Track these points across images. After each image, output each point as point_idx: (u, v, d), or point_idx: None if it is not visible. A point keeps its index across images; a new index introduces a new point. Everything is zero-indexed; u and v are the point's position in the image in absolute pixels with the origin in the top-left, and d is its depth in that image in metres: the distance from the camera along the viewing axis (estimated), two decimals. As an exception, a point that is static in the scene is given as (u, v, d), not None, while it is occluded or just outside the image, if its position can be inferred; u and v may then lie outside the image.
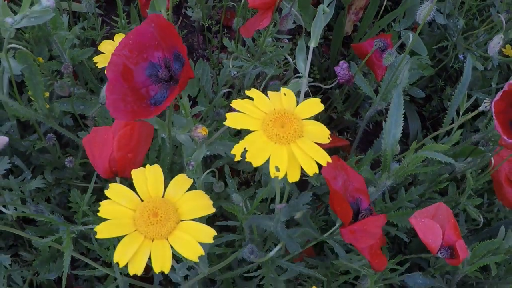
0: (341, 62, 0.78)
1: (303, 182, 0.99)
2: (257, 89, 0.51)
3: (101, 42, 0.87)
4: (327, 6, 0.66)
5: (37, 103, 0.73)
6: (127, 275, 0.78)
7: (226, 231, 0.88)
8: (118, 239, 0.55)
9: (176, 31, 0.56)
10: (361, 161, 0.84)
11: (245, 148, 0.46)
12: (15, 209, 0.82)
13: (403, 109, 0.82)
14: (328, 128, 0.51)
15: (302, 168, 0.46)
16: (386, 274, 0.75)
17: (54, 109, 0.74)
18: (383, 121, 0.72)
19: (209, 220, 0.78)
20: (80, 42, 0.98)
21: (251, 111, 0.47)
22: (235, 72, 0.78)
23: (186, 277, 0.73)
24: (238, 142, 0.63)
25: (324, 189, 0.97)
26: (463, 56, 1.04)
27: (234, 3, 1.01)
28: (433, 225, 0.62)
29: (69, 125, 0.92)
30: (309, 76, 0.69)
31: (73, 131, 0.97)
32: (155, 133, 0.85)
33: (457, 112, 0.84)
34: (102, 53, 0.73)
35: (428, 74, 1.04)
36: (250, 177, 1.13)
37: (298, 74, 0.70)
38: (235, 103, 0.48)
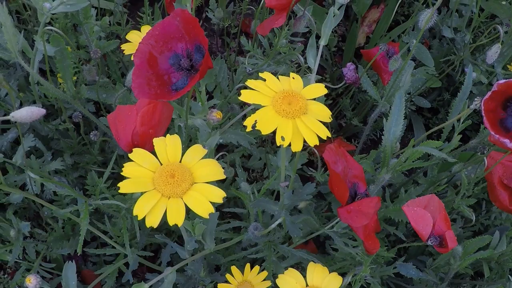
0: (348, 64, 0.87)
1: (308, 180, 1.07)
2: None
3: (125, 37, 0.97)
4: (338, 9, 0.75)
5: (66, 84, 0.82)
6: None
7: (233, 219, 0.96)
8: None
9: (199, 25, 0.65)
10: (364, 159, 0.92)
11: (255, 121, 0.54)
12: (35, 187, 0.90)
13: (410, 119, 0.90)
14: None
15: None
16: (380, 260, 0.82)
17: (81, 92, 0.84)
18: (384, 121, 0.80)
19: (217, 208, 0.87)
20: (105, 36, 1.08)
21: (263, 90, 0.56)
22: (250, 69, 0.87)
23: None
24: (249, 134, 0.72)
25: (328, 188, 1.05)
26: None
27: (252, 7, 1.11)
28: (424, 214, 0.69)
29: (91, 111, 1.01)
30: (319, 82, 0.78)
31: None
32: (171, 123, 0.94)
33: (458, 120, 0.92)
34: (129, 42, 0.83)
35: (435, 86, 1.13)
36: (259, 177, 1.21)
37: (308, 74, 0.79)
38: (250, 82, 0.57)
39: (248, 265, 0.78)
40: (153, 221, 0.55)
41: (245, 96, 0.55)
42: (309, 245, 1.06)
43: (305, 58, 0.84)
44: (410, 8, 1.30)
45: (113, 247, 0.91)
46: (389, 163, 0.80)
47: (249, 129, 0.54)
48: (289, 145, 0.54)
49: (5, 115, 1.03)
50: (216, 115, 0.69)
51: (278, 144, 0.53)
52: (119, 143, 0.73)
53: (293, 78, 0.59)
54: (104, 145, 1.07)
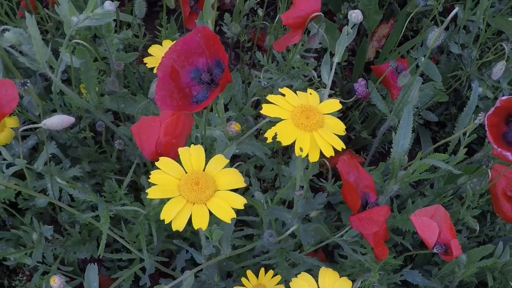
0: (359, 79, 0.92)
1: (317, 190, 1.13)
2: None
3: (143, 48, 1.03)
4: (351, 28, 0.81)
5: (89, 94, 0.88)
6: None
7: (245, 227, 1.02)
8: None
9: (219, 42, 0.70)
10: (373, 171, 0.97)
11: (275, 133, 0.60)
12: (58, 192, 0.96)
13: (417, 133, 0.95)
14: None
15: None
16: (387, 268, 0.87)
17: (104, 102, 0.89)
18: (393, 133, 0.86)
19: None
20: (123, 48, 1.14)
21: (282, 104, 0.62)
22: (266, 83, 0.93)
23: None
24: (263, 145, 0.77)
25: (338, 199, 1.10)
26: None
27: (266, 23, 1.16)
28: (430, 223, 0.74)
29: (109, 120, 1.07)
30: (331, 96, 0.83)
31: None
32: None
33: (464, 134, 0.97)
34: (151, 55, 0.88)
35: (442, 101, 1.18)
36: (270, 187, 1.27)
37: (321, 88, 0.85)
38: (270, 97, 0.62)
39: (262, 270, 0.83)
40: (179, 225, 0.60)
41: (266, 109, 0.61)
42: (318, 253, 1.11)
43: (318, 73, 0.90)
44: (418, 24, 1.35)
45: (129, 252, 0.96)
46: (397, 174, 0.85)
47: (269, 140, 0.60)
48: (305, 155, 0.59)
49: (24, 122, 1.09)
50: (235, 127, 0.75)
51: (297, 155, 0.59)
52: (143, 152, 0.79)
53: (310, 93, 0.64)
54: (120, 154, 1.13)
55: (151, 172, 0.64)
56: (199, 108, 0.70)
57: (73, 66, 0.84)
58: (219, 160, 0.65)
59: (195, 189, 0.61)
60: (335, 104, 0.64)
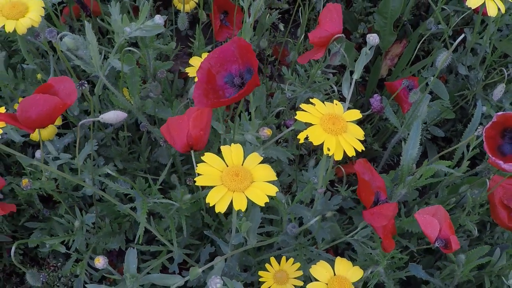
0: (375, 95, 1.09)
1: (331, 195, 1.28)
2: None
3: (174, 58, 1.20)
4: (369, 50, 0.97)
5: (133, 97, 1.04)
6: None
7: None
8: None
9: (252, 50, 0.87)
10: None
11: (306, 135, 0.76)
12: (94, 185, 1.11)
13: (425, 147, 1.11)
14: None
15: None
16: (394, 265, 1.03)
17: (146, 105, 1.05)
18: (403, 143, 1.02)
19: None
20: (156, 56, 1.31)
21: (313, 112, 0.78)
22: (290, 94, 1.09)
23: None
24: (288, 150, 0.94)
25: (349, 204, 1.26)
26: (482, 104, 1.35)
27: (289, 39, 1.33)
28: (432, 220, 0.90)
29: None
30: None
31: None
32: (217, 137, 1.16)
33: (467, 148, 1.13)
34: (191, 65, 1.05)
35: (449, 118, 1.35)
36: (286, 192, 1.42)
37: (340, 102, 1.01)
38: (303, 106, 0.78)
39: (284, 257, 0.98)
40: (221, 208, 0.76)
41: (300, 116, 0.77)
42: (329, 253, 1.26)
43: (337, 88, 1.07)
44: (429, 45, 1.52)
45: (161, 244, 1.12)
46: (405, 179, 1.02)
47: (301, 141, 0.76)
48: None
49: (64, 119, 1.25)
50: (267, 132, 0.91)
51: (324, 153, 0.75)
52: (175, 147, 0.94)
53: (336, 104, 0.81)
54: (149, 155, 1.29)
55: (198, 164, 0.80)
56: (230, 101, 0.87)
57: (122, 71, 1.00)
58: (255, 157, 0.81)
59: (236, 179, 0.77)
60: (356, 114, 0.81)
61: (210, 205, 0.76)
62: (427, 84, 1.36)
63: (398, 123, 1.15)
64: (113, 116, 0.86)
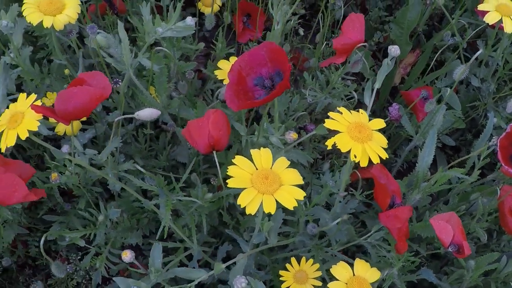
0: (394, 104, 1.16)
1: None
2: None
3: (195, 58, 1.26)
4: (390, 60, 1.04)
5: (160, 96, 1.11)
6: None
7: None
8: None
9: (285, 54, 0.93)
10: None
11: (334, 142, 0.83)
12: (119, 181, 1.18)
13: (435, 156, 1.18)
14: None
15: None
16: (406, 268, 1.10)
17: (172, 104, 1.12)
18: (419, 150, 1.09)
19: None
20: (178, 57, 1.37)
21: (341, 120, 0.84)
22: (311, 100, 1.16)
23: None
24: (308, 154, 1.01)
25: (361, 208, 1.33)
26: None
27: (309, 46, 1.40)
28: (446, 226, 0.97)
29: (165, 122, 1.29)
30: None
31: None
32: (237, 139, 1.22)
33: (478, 158, 1.20)
34: (219, 68, 1.12)
35: (459, 127, 1.42)
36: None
37: (357, 109, 1.08)
38: (331, 114, 0.85)
39: (304, 258, 1.05)
40: (252, 210, 0.82)
41: (328, 124, 0.84)
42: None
43: (357, 95, 1.14)
44: (442, 55, 1.59)
45: (179, 240, 1.18)
46: (420, 185, 1.08)
47: (329, 147, 0.83)
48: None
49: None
50: (293, 135, 0.97)
51: (351, 160, 0.81)
52: (197, 148, 1.01)
53: (361, 113, 0.87)
54: (168, 153, 1.35)
55: (228, 167, 0.86)
56: (260, 103, 0.93)
57: (152, 70, 1.06)
58: (283, 162, 0.87)
59: (265, 182, 0.84)
60: (380, 123, 0.87)
61: (241, 207, 0.82)
62: (439, 92, 1.43)
63: (413, 130, 1.21)
64: (148, 113, 0.93)
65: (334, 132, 0.85)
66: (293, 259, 1.06)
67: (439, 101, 1.21)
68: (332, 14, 1.40)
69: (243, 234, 1.19)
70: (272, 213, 0.83)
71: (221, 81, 1.14)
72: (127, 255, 0.99)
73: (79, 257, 1.33)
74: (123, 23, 1.02)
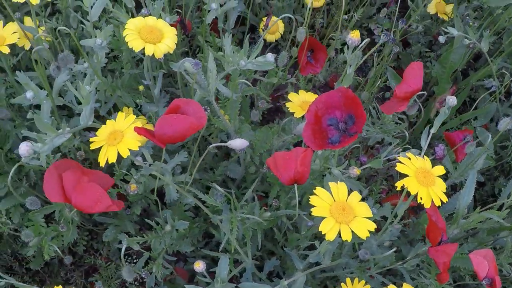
0: (440, 145, 1.38)
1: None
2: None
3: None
4: (447, 109, 1.26)
5: (233, 121, 1.32)
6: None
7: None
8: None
9: (359, 101, 1.15)
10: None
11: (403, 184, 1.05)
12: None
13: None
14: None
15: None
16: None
17: (242, 128, 1.33)
18: (459, 188, 1.32)
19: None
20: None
21: (409, 165, 1.07)
22: (365, 134, 1.38)
23: None
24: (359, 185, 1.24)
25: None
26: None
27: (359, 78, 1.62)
28: (483, 261, 1.20)
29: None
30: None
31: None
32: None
33: (508, 197, 1.44)
34: (290, 101, 1.33)
35: (489, 165, 1.65)
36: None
37: (407, 146, 1.31)
38: (401, 159, 1.07)
39: (356, 279, 1.28)
40: (331, 236, 1.03)
41: (399, 168, 1.06)
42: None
43: (408, 133, 1.36)
44: (476, 93, 1.83)
45: (226, 251, 1.40)
46: (459, 222, 1.32)
47: (398, 188, 1.05)
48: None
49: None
50: (357, 171, 1.20)
51: (418, 201, 1.04)
52: (280, 179, 1.22)
53: (426, 159, 1.10)
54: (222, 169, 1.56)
55: (311, 197, 1.08)
56: (335, 148, 1.15)
57: (232, 98, 1.28)
58: (357, 195, 1.10)
59: (342, 213, 1.05)
60: (441, 170, 1.10)
61: (322, 233, 1.04)
62: (475, 131, 1.67)
63: (453, 168, 1.45)
64: (239, 143, 1.14)
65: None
66: (348, 280, 1.28)
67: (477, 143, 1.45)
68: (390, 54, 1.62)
69: (292, 251, 1.41)
70: (349, 241, 1.05)
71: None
72: (200, 266, 1.19)
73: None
74: (213, 55, 1.22)
